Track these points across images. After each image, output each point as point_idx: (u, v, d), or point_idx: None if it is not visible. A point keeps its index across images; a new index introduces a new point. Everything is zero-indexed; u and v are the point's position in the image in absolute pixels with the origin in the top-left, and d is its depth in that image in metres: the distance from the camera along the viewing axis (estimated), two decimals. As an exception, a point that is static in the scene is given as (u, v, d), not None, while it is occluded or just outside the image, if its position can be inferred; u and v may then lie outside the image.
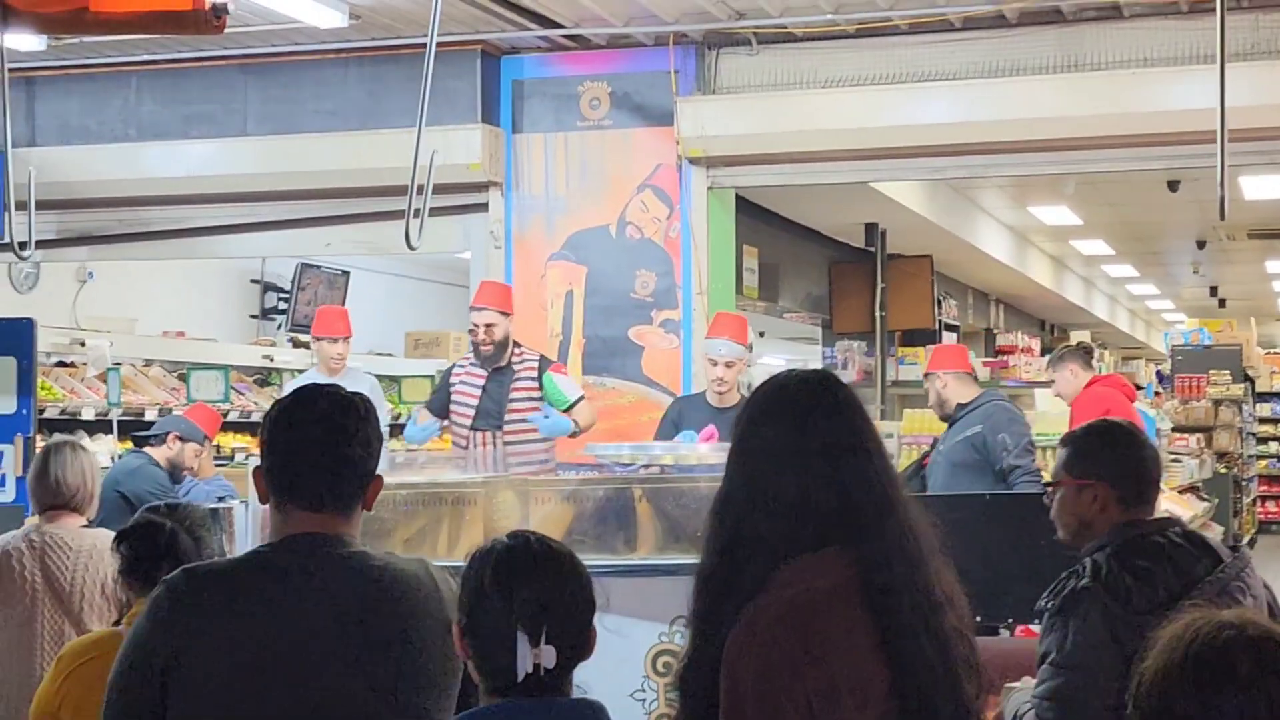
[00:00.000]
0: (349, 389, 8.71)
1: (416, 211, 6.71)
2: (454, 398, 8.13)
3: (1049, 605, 3.76)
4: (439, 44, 5.50)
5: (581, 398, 8.22)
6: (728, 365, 7.90)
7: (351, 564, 2.86)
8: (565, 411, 8.04)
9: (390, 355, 14.31)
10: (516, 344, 8.22)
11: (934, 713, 2.67)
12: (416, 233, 5.37)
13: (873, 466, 2.75)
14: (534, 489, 5.69)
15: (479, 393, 8.06)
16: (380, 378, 10.21)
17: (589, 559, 5.06)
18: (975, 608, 4.35)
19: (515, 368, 8.14)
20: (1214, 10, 5.78)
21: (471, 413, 8.00)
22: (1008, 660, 4.45)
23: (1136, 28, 9.12)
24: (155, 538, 3.63)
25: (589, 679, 2.76)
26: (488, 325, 8.05)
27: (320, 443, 2.93)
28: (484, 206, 10.09)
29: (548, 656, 2.50)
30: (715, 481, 5.22)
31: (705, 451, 6.50)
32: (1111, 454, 3.94)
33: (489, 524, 5.40)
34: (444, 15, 6.09)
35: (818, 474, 2.69)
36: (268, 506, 3.00)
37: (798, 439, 2.72)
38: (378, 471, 3.03)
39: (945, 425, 8.49)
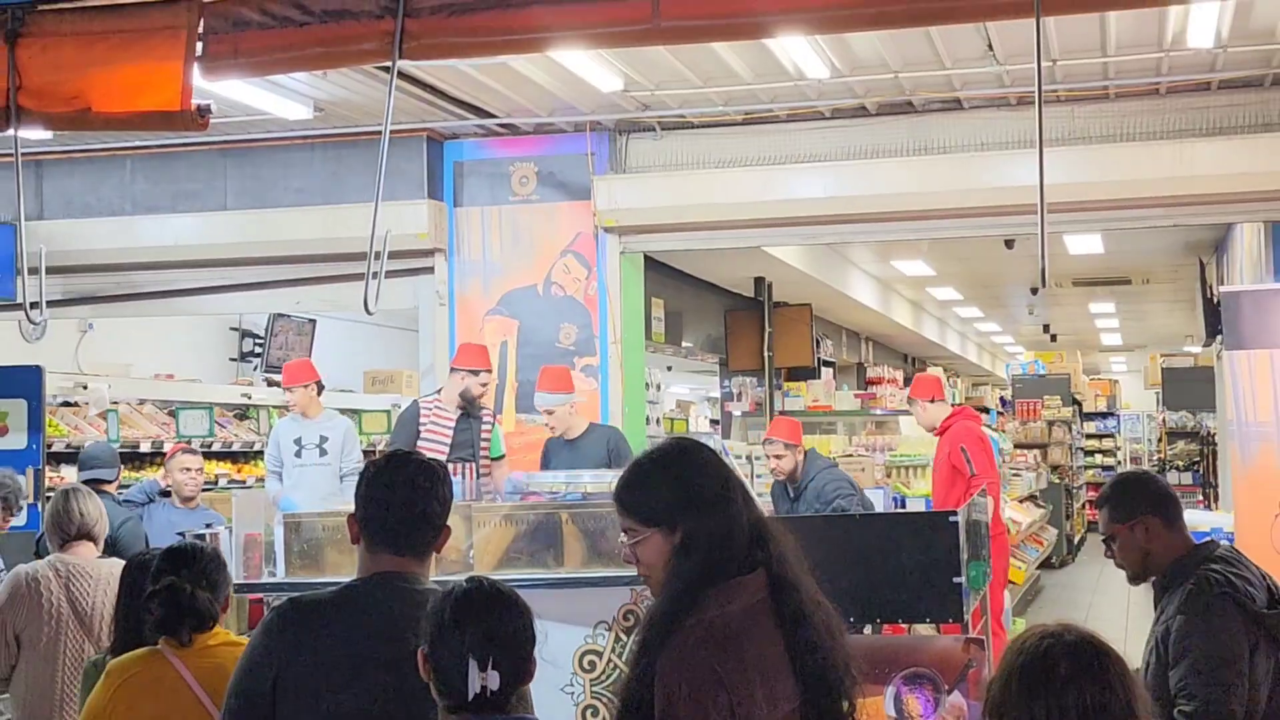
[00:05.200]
0: (327, 429, 8.68)
1: (375, 274, 6.77)
2: (423, 435, 8.15)
3: (1177, 615, 3.74)
4: (391, 131, 5.58)
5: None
6: (549, 413, 8.27)
7: (417, 597, 2.97)
8: (497, 459, 8.34)
9: (351, 391, 14.26)
10: None
11: (830, 703, 2.76)
12: (374, 297, 5.42)
13: (750, 496, 2.85)
14: (477, 513, 5.69)
15: (451, 431, 8.15)
16: (341, 410, 10.21)
17: (524, 573, 5.18)
18: (852, 610, 4.48)
19: (482, 416, 8.28)
20: (1035, 104, 6.02)
21: (446, 447, 8.03)
22: (876, 654, 4.56)
23: (974, 118, 9.35)
24: (178, 600, 3.68)
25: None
26: (485, 385, 8.25)
27: (407, 501, 3.11)
28: (430, 269, 10.14)
29: (492, 680, 2.60)
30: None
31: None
32: (1144, 491, 4.06)
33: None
34: (395, 107, 6.18)
35: (733, 511, 2.76)
36: (360, 545, 3.17)
37: (720, 484, 2.78)
38: (447, 523, 3.21)
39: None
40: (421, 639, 2.69)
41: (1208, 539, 4.12)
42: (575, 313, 9.87)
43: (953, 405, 9.40)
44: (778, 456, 8.23)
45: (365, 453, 9.69)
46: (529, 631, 2.70)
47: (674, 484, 2.78)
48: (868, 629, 4.99)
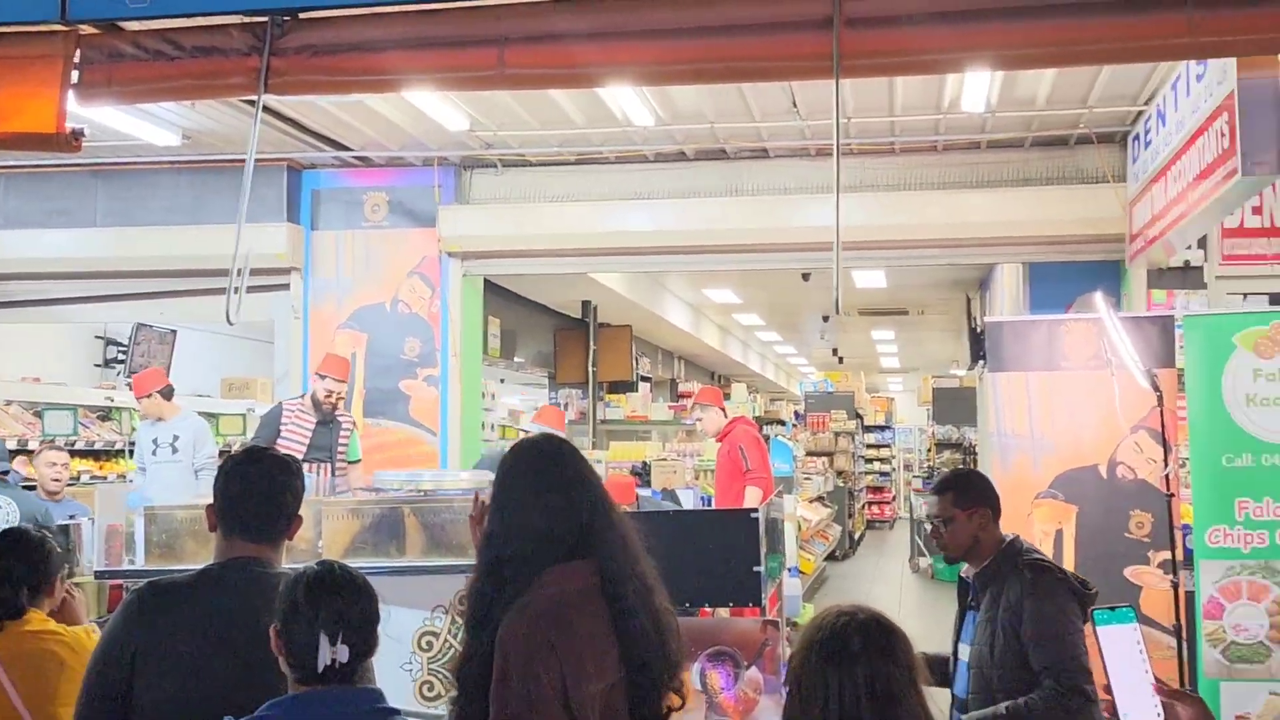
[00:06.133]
0: (180, 429, 8.40)
1: (236, 290, 6.60)
2: (283, 434, 7.97)
3: (1025, 600, 3.86)
4: (255, 160, 5.45)
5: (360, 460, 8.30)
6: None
7: (270, 581, 2.89)
8: (353, 462, 8.15)
9: (209, 396, 13.83)
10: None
11: (650, 672, 2.79)
12: (235, 310, 5.28)
13: (595, 494, 2.86)
14: (326, 506, 5.57)
15: (309, 433, 7.97)
16: (201, 414, 9.92)
17: (369, 561, 5.09)
18: (686, 594, 4.51)
19: (341, 421, 8.11)
20: (832, 155, 6.19)
21: (303, 447, 7.87)
22: (684, 635, 4.60)
23: (779, 165, 9.54)
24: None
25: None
26: (339, 394, 8.05)
27: (262, 492, 3.06)
28: (286, 286, 9.93)
29: (342, 654, 2.56)
30: (467, 503, 5.27)
31: (459, 478, 6.52)
32: (984, 485, 4.18)
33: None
34: (259, 138, 6.03)
35: (556, 509, 2.80)
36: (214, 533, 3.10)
37: (540, 487, 2.83)
38: (299, 513, 3.16)
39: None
40: (274, 617, 2.63)
41: (1013, 536, 4.22)
42: (419, 328, 9.76)
43: (733, 416, 9.58)
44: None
45: (222, 452, 9.43)
46: (373, 611, 2.67)
47: (504, 475, 2.86)
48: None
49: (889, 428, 27.99)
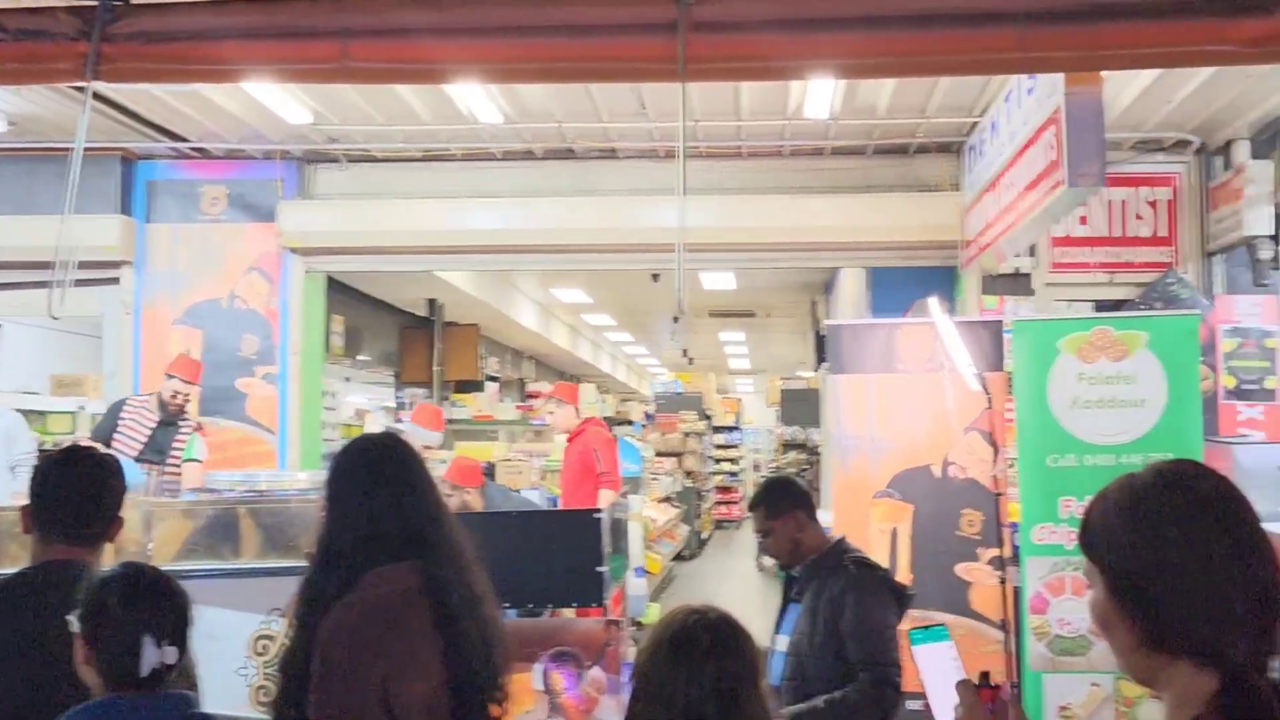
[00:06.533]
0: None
1: (60, 283, 6.38)
2: (119, 429, 7.75)
3: (846, 594, 4.02)
4: (85, 149, 5.27)
5: (201, 460, 8.03)
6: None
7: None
8: (188, 461, 7.91)
9: (37, 394, 13.32)
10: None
11: (474, 679, 2.80)
12: (59, 303, 5.12)
13: (427, 499, 2.87)
14: (155, 507, 5.44)
15: (147, 431, 7.76)
16: (29, 412, 9.55)
17: (202, 563, 4.98)
18: (509, 597, 4.51)
19: (180, 424, 7.88)
20: (679, 158, 6.27)
21: (139, 445, 7.67)
22: (527, 636, 4.61)
23: (628, 166, 9.59)
24: None
25: (205, 659, 2.76)
26: (185, 395, 7.85)
27: (80, 493, 2.98)
28: (117, 280, 9.62)
29: (169, 655, 2.50)
30: (305, 503, 5.19)
31: (297, 478, 6.43)
32: (790, 490, 4.34)
33: (125, 535, 5.18)
34: (91, 126, 5.83)
35: (384, 507, 2.80)
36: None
37: (370, 484, 2.82)
38: (121, 515, 3.07)
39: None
40: (81, 622, 2.55)
41: (840, 537, 4.41)
42: (257, 325, 9.55)
43: (586, 417, 9.59)
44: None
45: (46, 451, 9.10)
46: (189, 612, 2.62)
47: (336, 470, 2.90)
48: (513, 613, 5.05)
49: (738, 428, 28.36)
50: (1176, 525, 1.55)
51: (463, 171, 9.64)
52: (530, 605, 5.00)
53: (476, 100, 8.15)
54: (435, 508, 2.89)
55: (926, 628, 1.90)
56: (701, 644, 2.43)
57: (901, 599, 4.15)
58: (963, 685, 1.70)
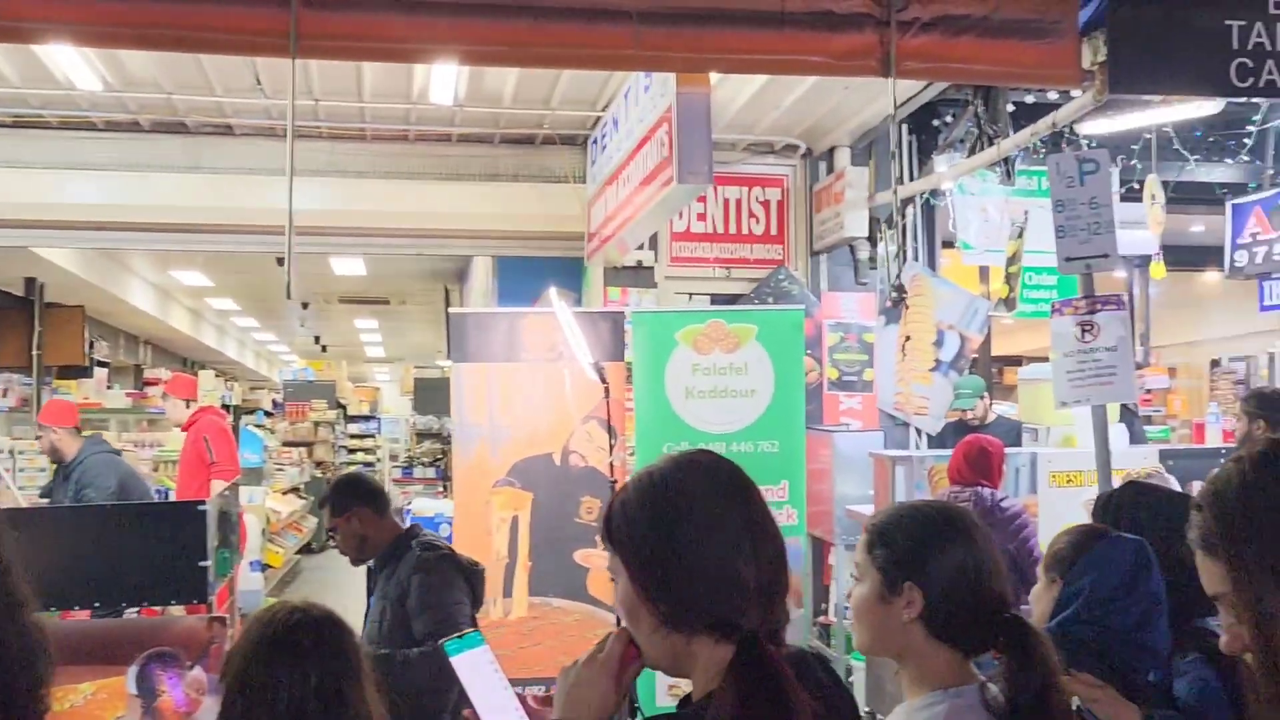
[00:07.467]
0: None
1: None
2: None
3: (413, 576, 4.11)
4: None
5: None
6: None
7: None
8: None
9: None
10: None
11: (10, 688, 2.61)
12: None
13: None
14: None
15: None
16: None
17: None
18: (100, 595, 4.28)
19: None
20: (296, 135, 6.09)
21: None
22: (120, 637, 4.35)
23: (244, 144, 9.17)
24: None
25: None
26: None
27: None
28: None
29: None
30: None
31: None
32: (355, 489, 4.41)
33: None
34: None
35: None
36: None
37: None
38: None
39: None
40: None
41: (412, 525, 4.51)
42: None
43: (200, 405, 9.24)
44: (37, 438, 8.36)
45: None
46: None
47: None
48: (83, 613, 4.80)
49: (375, 418, 27.96)
50: (692, 506, 1.66)
51: (58, 140, 8.96)
52: (123, 604, 4.76)
53: (72, 65, 7.59)
54: None
55: (461, 636, 1.93)
56: (303, 644, 2.39)
57: (470, 575, 4.29)
58: (619, 635, 1.71)
